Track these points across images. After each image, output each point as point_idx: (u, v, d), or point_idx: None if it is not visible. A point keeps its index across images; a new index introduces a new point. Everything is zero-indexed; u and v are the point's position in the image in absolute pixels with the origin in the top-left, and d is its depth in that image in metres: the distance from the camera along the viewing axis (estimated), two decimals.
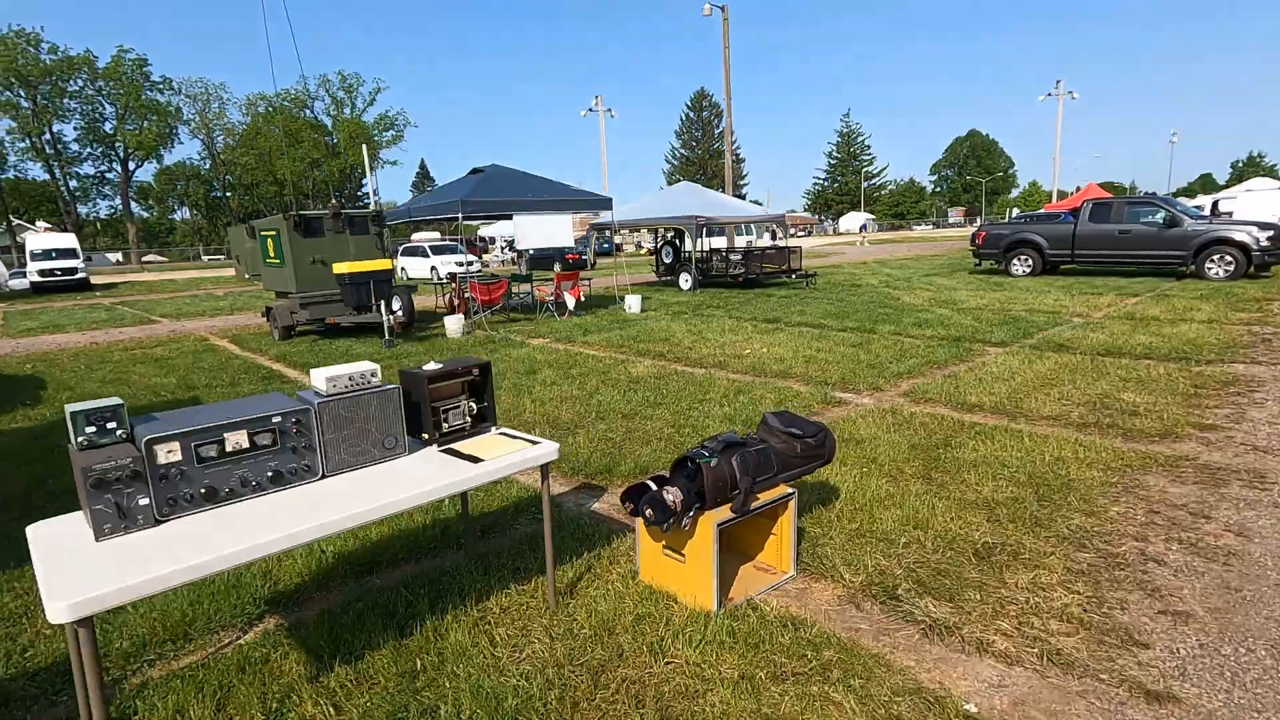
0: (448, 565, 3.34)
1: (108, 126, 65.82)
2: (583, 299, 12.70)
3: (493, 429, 3.03)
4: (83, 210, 71.94)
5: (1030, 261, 16.67)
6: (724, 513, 2.82)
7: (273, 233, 11.19)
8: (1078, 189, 51.06)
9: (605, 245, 45.77)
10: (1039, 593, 2.92)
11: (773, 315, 11.60)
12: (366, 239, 11.54)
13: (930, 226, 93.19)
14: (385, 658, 2.62)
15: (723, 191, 23.34)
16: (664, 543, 2.97)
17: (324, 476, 2.47)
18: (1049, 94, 54.20)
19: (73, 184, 67.58)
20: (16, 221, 63.01)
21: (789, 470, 3.14)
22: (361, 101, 75.57)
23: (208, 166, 76.84)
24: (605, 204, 12.79)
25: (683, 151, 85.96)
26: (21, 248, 39.47)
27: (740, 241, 33.99)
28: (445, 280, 12.40)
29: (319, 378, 2.55)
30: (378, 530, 3.74)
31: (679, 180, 79.04)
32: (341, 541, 3.60)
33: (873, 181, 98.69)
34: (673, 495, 2.71)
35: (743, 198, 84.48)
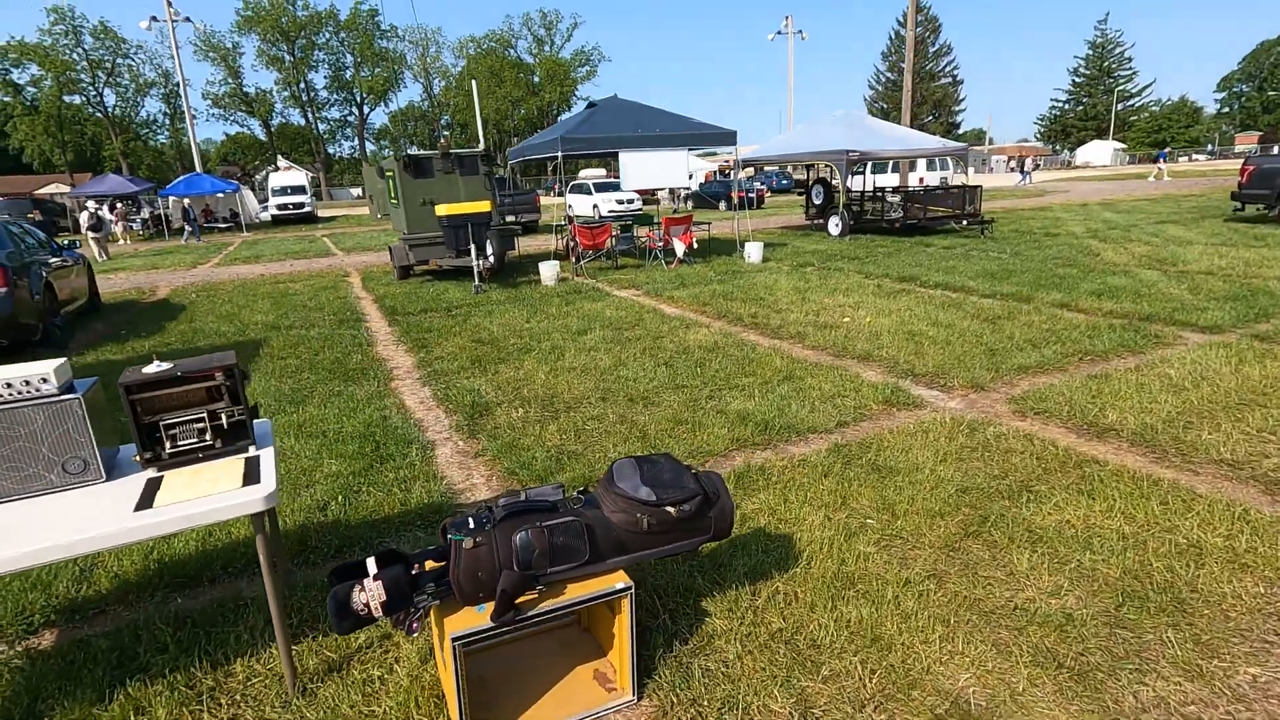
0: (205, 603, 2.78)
1: (348, 75, 73.87)
2: (694, 245, 11.55)
3: (251, 449, 2.33)
4: (331, 150, 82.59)
5: None
6: (472, 618, 1.89)
7: (393, 173, 11.38)
8: None
9: (785, 183, 42.95)
10: None
11: (910, 273, 9.62)
12: (477, 179, 11.33)
13: (1205, 157, 75.46)
14: None
15: (899, 121, 20.21)
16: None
17: None
18: None
19: (322, 127, 77.49)
20: (283, 161, 74.35)
21: (632, 552, 2.09)
22: (560, 38, 77.30)
23: (428, 108, 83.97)
24: (728, 138, 11.33)
25: (889, 75, 77.20)
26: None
27: (933, 178, 29.77)
28: (565, 223, 11.91)
29: None
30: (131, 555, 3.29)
31: (882, 109, 71.49)
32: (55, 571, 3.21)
33: (1130, 103, 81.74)
34: (366, 597, 1.83)
35: (955, 126, 74.85)
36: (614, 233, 11.68)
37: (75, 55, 58.69)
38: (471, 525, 1.95)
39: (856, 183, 16.57)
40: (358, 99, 75.92)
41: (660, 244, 11.44)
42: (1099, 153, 72.45)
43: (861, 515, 3.15)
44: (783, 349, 6.08)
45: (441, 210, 9.95)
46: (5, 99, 60.35)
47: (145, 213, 33.27)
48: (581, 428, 4.40)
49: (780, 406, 4.57)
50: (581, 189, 30.33)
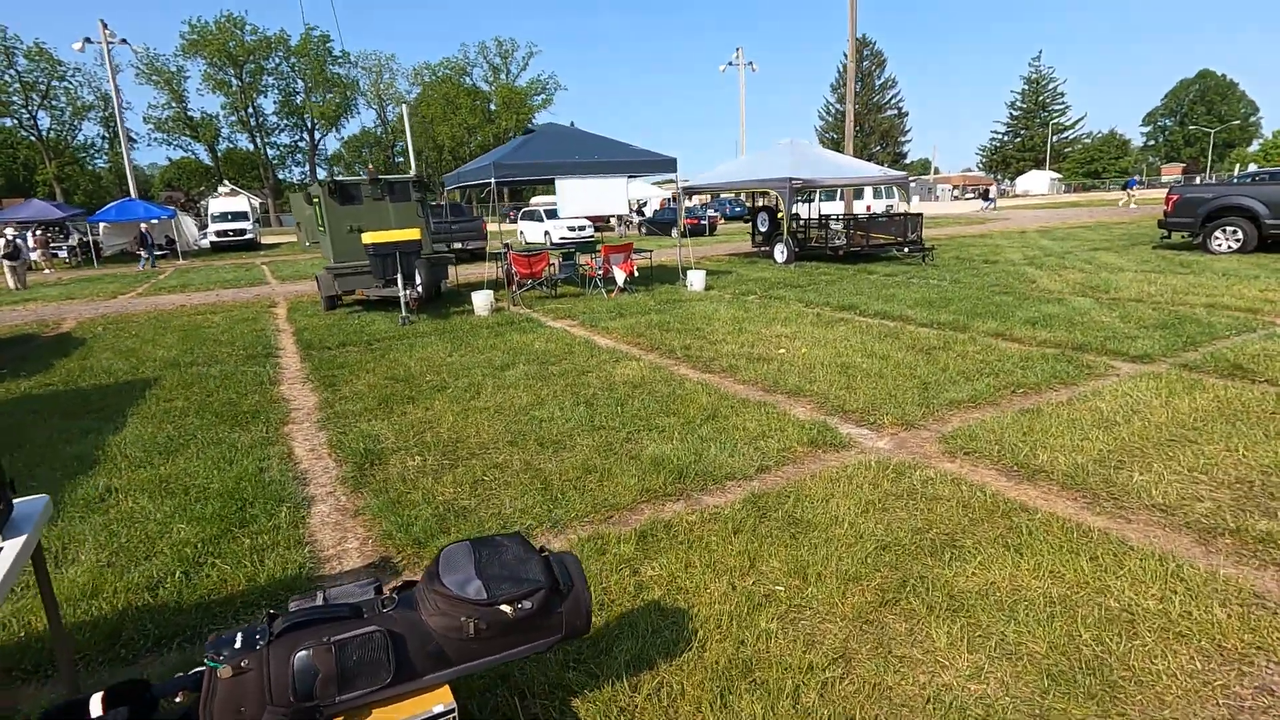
0: None
1: (298, 100, 72.56)
2: (635, 274, 11.29)
3: None
4: (282, 176, 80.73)
5: (1240, 235, 12.74)
6: None
7: (319, 199, 10.88)
8: None
9: (739, 210, 43.40)
10: None
11: (850, 301, 9.50)
12: (408, 206, 10.90)
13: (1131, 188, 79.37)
14: None
15: (841, 150, 20.53)
16: None
17: None
18: None
19: (272, 153, 75.79)
20: (230, 186, 72.32)
21: (456, 664, 1.70)
22: (516, 66, 77.61)
23: (382, 134, 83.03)
24: (668, 165, 11.19)
25: (838, 106, 79.49)
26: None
27: (880, 206, 30.39)
28: (503, 251, 11.53)
29: None
30: None
31: (833, 139, 73.43)
32: None
33: (1063, 135, 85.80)
34: None
35: (902, 156, 77.31)
36: (553, 261, 11.35)
37: (7, 77, 56.32)
38: (239, 644, 1.53)
39: (805, 210, 16.64)
40: (309, 125, 74.64)
41: (600, 272, 11.14)
42: (1037, 182, 75.66)
43: (770, 581, 2.81)
44: (712, 384, 5.78)
45: (368, 238, 9.49)
46: None
47: (73, 240, 31.69)
48: (480, 478, 3.98)
49: (699, 450, 4.24)
50: (533, 215, 30.06)
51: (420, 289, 9.49)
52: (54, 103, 59.72)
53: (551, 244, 26.62)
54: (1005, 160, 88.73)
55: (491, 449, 4.46)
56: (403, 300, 9.32)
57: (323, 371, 6.82)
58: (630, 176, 11.28)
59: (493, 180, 10.00)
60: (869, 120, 75.57)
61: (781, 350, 6.85)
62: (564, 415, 5.03)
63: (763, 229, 16.52)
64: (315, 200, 11.10)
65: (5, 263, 20.35)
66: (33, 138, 59.89)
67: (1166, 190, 15.04)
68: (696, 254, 18.66)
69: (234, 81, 67.35)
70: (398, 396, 5.77)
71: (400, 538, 3.29)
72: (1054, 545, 2.98)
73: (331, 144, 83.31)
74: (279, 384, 6.52)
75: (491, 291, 10.05)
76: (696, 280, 11.30)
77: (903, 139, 78.50)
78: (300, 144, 76.60)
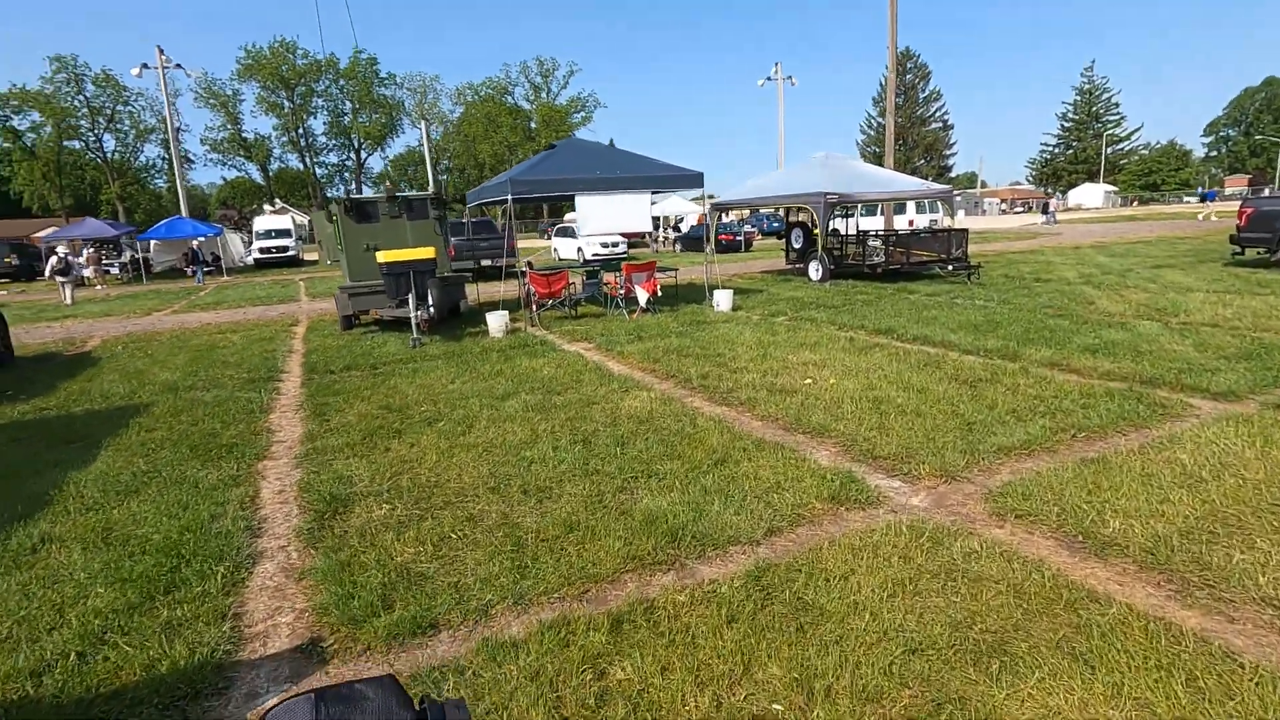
0: None
1: (346, 121, 74.60)
2: (658, 293, 10.77)
3: None
4: (330, 194, 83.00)
5: None
6: None
7: (338, 217, 10.69)
8: None
9: (777, 225, 42.62)
10: None
11: (888, 324, 8.81)
12: (426, 224, 10.64)
13: (1196, 200, 75.79)
14: None
15: (882, 165, 19.76)
16: None
17: None
18: None
19: (320, 172, 78.04)
20: (280, 204, 74.59)
21: None
22: (556, 85, 78.60)
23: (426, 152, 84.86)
24: (695, 180, 10.68)
25: (879, 120, 78.09)
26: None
27: (924, 221, 29.30)
28: (524, 269, 11.18)
29: None
30: None
31: (874, 153, 72.00)
32: None
33: (1119, 146, 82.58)
34: None
35: (947, 169, 75.44)
36: (571, 280, 10.92)
37: (77, 102, 59.23)
38: None
39: (843, 226, 15.95)
40: (356, 144, 76.62)
41: (622, 292, 10.67)
42: (1091, 195, 72.78)
43: (767, 696, 2.24)
44: (726, 420, 5.21)
45: (381, 257, 9.20)
46: (5, 145, 60.78)
47: (125, 256, 32.78)
48: (447, 534, 3.50)
49: (700, 505, 3.67)
50: (567, 231, 29.90)
51: (433, 310, 9.15)
52: (118, 126, 62.57)
53: (584, 260, 26.39)
54: (1056, 173, 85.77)
55: (469, 496, 3.98)
56: (413, 321, 8.98)
57: (318, 398, 6.47)
58: (655, 192, 10.80)
59: (509, 196, 9.65)
60: (912, 134, 74.02)
61: (808, 380, 6.23)
62: (557, 456, 4.52)
63: (797, 245, 15.86)
64: (335, 218, 10.92)
65: (57, 278, 21.02)
66: (98, 159, 62.74)
67: (1239, 203, 13.88)
68: (729, 271, 18.09)
69: (286, 104, 69.67)
70: (385, 429, 5.35)
71: (336, 615, 2.81)
72: (1135, 656, 2.33)
73: (377, 163, 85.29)
74: (270, 412, 6.19)
75: (507, 312, 9.65)
76: (723, 300, 10.73)
77: (948, 152, 76.64)
78: (347, 163, 78.69)
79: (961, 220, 29.75)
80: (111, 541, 3.58)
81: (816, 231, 13.74)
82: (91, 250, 29.15)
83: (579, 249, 28.06)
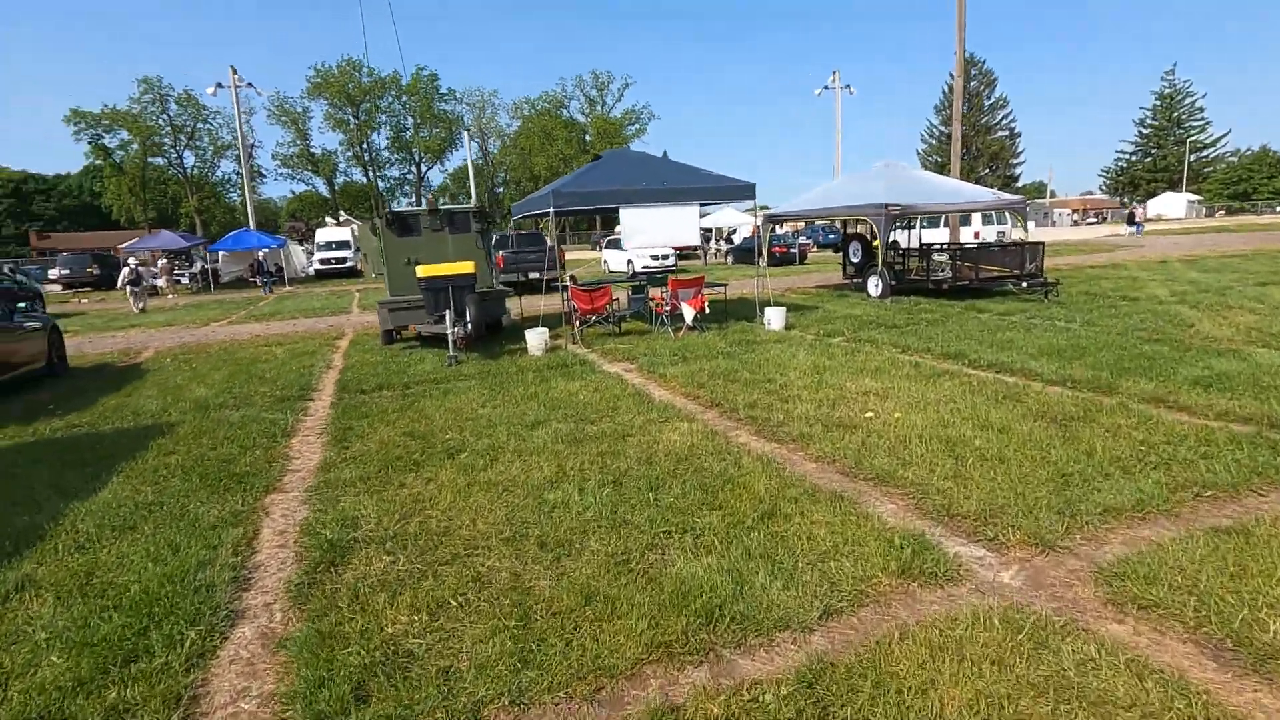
0: None
1: (408, 135, 76.78)
2: (706, 310, 10.20)
3: None
4: (393, 207, 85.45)
5: None
6: None
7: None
8: None
9: (833, 237, 41.44)
10: None
11: (957, 347, 8.02)
12: (467, 237, 10.39)
13: None
14: None
15: (945, 173, 18.72)
16: None
17: None
18: None
19: (382, 185, 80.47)
20: (345, 217, 77.29)
21: None
22: (611, 98, 79.18)
23: (484, 166, 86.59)
24: (746, 191, 10.11)
25: (942, 129, 75.61)
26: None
27: (990, 233, 27.84)
28: (564, 285, 10.82)
29: None
30: None
31: (936, 162, 69.64)
32: None
33: (1203, 154, 77.68)
34: None
35: (1013, 179, 72.37)
36: (614, 295, 10.47)
37: (161, 121, 62.66)
38: None
39: (904, 238, 15.09)
40: (416, 158, 78.71)
41: (667, 308, 10.15)
42: (1173, 205, 68.44)
43: None
44: (776, 460, 4.63)
45: (420, 271, 8.96)
46: (98, 162, 64.76)
47: (196, 267, 34.17)
48: (447, 600, 3.03)
49: (743, 573, 3.11)
50: (617, 244, 29.62)
51: (470, 327, 8.83)
52: (198, 143, 65.85)
53: (633, 273, 26.05)
54: (1133, 182, 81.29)
55: (480, 549, 3.52)
56: (450, 339, 8.68)
57: (343, 421, 6.17)
58: (704, 204, 10.29)
59: (551, 209, 9.29)
60: (977, 142, 71.34)
61: (869, 413, 5.58)
62: (582, 500, 4.03)
63: (855, 259, 15.05)
64: (378, 231, 10.80)
65: (128, 288, 21.89)
66: (179, 174, 66.14)
67: None
68: (782, 285, 17.37)
69: (351, 120, 72.13)
70: (404, 460, 4.97)
71: (301, 709, 2.36)
72: None
73: (436, 176, 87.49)
74: (293, 435, 5.91)
75: (546, 330, 9.26)
76: (775, 318, 10.10)
77: (1014, 161, 73.60)
78: (408, 176, 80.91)
79: (1031, 232, 28.12)
80: (89, 591, 3.26)
81: (876, 244, 12.96)
82: (164, 261, 30.41)
83: (629, 261, 27.73)
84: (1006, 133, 72.92)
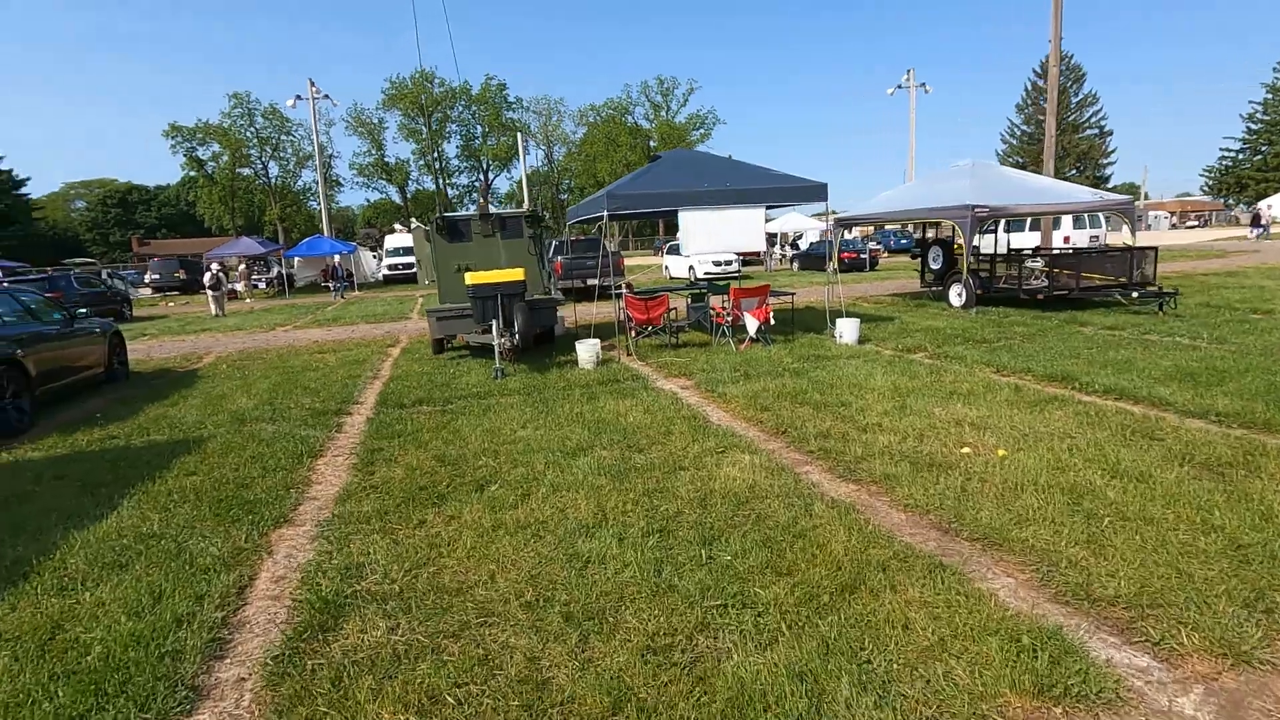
0: None
1: (476, 144, 78.45)
2: (770, 321, 9.40)
3: None
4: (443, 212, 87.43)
5: None
6: None
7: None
8: None
9: (905, 242, 39.56)
10: None
11: (1063, 367, 6.99)
12: (519, 243, 9.95)
13: None
14: None
15: (1040, 171, 17.24)
16: None
17: None
18: None
19: (451, 193, 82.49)
20: (415, 224, 79.62)
21: None
22: (676, 103, 78.74)
23: (549, 173, 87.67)
24: (817, 192, 9.27)
25: (1024, 128, 71.62)
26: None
27: (1081, 237, 25.73)
28: (619, 292, 10.26)
29: None
30: None
31: (1017, 163, 65.92)
32: None
33: None
34: None
35: (1103, 180, 67.87)
36: (672, 305, 9.80)
37: (249, 134, 66.02)
38: None
39: (987, 243, 13.83)
40: (484, 166, 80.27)
41: (729, 319, 9.42)
42: None
43: None
44: (856, 508, 3.86)
45: (469, 279, 8.54)
46: (193, 173, 68.79)
47: (273, 272, 35.48)
48: (442, 694, 2.44)
49: (820, 678, 2.39)
50: (678, 249, 28.98)
51: (518, 338, 8.34)
52: (281, 154, 69.01)
53: (694, 279, 25.34)
54: (1240, 182, 74.78)
55: (494, 617, 2.92)
56: (496, 350, 8.21)
57: (375, 441, 5.74)
58: (770, 207, 9.53)
59: (605, 212, 8.72)
60: (1064, 141, 67.13)
61: (965, 449, 4.73)
62: (622, 554, 3.38)
63: (934, 266, 13.89)
64: (431, 238, 10.50)
65: (209, 292, 22.73)
66: (265, 184, 69.50)
67: None
68: (853, 294, 16.31)
69: (423, 130, 74.18)
70: (429, 491, 4.45)
71: None
72: None
73: (504, 183, 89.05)
74: (320, 456, 5.51)
75: (598, 341, 8.68)
76: (848, 331, 9.21)
77: (1104, 161, 68.94)
78: (476, 184, 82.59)
79: (1125, 236, 25.87)
80: (48, 651, 2.83)
81: (959, 249, 11.85)
82: (243, 266, 31.63)
83: (690, 267, 27.03)
84: (1096, 131, 68.50)
